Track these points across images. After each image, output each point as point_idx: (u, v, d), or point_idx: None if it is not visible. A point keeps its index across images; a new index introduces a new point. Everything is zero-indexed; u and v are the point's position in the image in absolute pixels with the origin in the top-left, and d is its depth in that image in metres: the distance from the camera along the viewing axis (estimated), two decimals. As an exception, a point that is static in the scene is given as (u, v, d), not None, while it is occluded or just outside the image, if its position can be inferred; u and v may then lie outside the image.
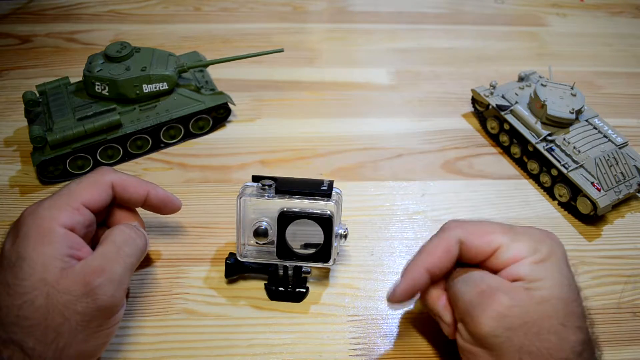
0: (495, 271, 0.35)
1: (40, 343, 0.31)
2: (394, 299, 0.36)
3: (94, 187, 0.38)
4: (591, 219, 0.49)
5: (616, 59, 0.74)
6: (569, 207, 0.51)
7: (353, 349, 0.39)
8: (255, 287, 0.43)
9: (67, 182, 0.39)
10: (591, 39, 0.78)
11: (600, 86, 0.68)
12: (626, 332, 0.41)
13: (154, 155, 0.55)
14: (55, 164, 0.51)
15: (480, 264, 0.36)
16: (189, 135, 0.57)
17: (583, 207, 0.49)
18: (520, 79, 0.60)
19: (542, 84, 0.55)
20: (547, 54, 0.74)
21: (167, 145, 0.56)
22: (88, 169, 0.52)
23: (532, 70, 0.61)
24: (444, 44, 0.75)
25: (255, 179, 0.41)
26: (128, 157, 0.54)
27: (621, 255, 0.47)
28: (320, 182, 0.40)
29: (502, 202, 0.52)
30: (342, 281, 0.44)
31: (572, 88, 0.55)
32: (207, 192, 0.51)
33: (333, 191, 0.40)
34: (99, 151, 0.52)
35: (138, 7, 0.80)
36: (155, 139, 0.55)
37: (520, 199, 0.52)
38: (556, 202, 0.52)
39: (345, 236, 0.41)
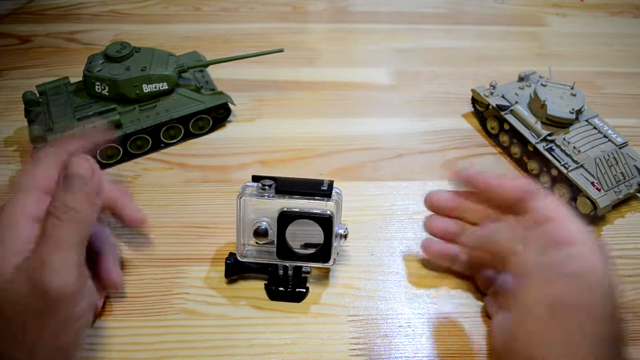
0: None
1: (9, 343, 0.31)
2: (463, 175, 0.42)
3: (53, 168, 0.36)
4: (591, 219, 0.49)
5: (616, 59, 0.74)
6: (569, 207, 0.51)
7: (353, 349, 0.39)
8: (255, 287, 0.43)
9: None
10: (591, 39, 0.78)
11: (600, 86, 0.68)
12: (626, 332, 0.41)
13: (154, 155, 0.55)
14: (55, 164, 0.51)
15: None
16: (189, 135, 0.57)
17: (583, 207, 0.49)
18: (520, 79, 0.60)
19: (542, 84, 0.55)
20: (547, 54, 0.74)
21: (167, 145, 0.56)
22: (88, 169, 0.52)
23: (532, 70, 0.61)
24: (444, 44, 0.75)
25: (255, 179, 0.41)
26: (128, 157, 0.54)
27: (621, 255, 0.47)
28: (320, 182, 0.40)
29: (502, 202, 0.52)
30: (342, 281, 0.44)
31: (572, 88, 0.55)
32: (207, 192, 0.51)
33: (333, 191, 0.40)
34: (99, 151, 0.52)
35: (138, 7, 0.80)
36: (155, 139, 0.55)
37: (520, 199, 0.52)
38: (556, 202, 0.52)
39: (345, 236, 0.41)
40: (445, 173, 0.54)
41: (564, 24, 0.82)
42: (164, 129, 0.55)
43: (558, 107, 0.52)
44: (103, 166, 0.53)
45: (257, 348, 0.39)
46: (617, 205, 0.51)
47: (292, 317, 0.41)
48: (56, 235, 0.32)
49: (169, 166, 0.54)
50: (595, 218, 0.49)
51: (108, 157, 0.53)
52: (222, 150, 0.56)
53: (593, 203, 0.48)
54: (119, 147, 0.53)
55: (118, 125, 0.51)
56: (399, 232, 0.48)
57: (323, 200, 0.39)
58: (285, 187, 0.40)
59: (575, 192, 0.50)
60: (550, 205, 0.38)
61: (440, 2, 0.85)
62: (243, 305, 0.42)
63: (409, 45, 0.75)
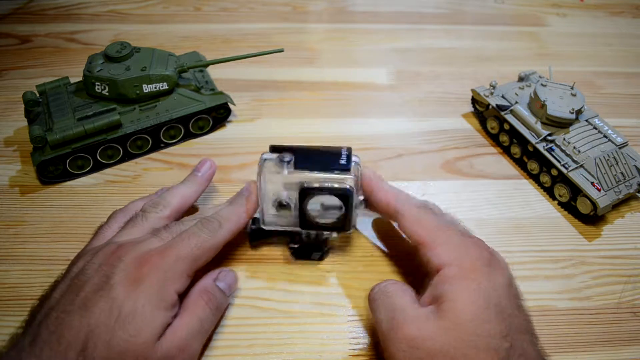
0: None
1: None
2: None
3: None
4: (591, 219, 0.49)
5: (616, 59, 0.74)
6: (569, 207, 0.51)
7: (353, 349, 0.39)
8: (256, 287, 0.43)
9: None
10: (591, 39, 0.78)
11: (600, 86, 0.68)
12: (626, 332, 0.41)
13: (154, 155, 0.55)
14: (55, 164, 0.51)
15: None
16: (189, 135, 0.57)
17: (583, 207, 0.49)
18: (520, 79, 0.60)
19: (542, 84, 0.55)
20: (547, 54, 0.74)
21: (167, 145, 0.56)
22: (88, 169, 0.52)
23: (532, 70, 0.61)
24: (444, 44, 0.76)
25: (273, 149, 0.41)
26: (128, 157, 0.54)
27: (621, 255, 0.47)
28: (339, 153, 0.40)
29: (502, 202, 0.52)
30: (342, 281, 0.44)
31: (572, 88, 0.55)
32: (207, 192, 0.51)
33: (352, 162, 0.40)
34: (99, 151, 0.52)
35: (138, 7, 0.80)
36: (155, 139, 0.55)
37: (520, 199, 0.52)
38: (556, 202, 0.52)
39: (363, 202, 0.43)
40: (445, 173, 0.55)
41: (564, 24, 0.82)
42: (164, 129, 0.55)
43: (558, 107, 0.52)
44: (103, 166, 0.53)
45: (257, 348, 0.39)
46: (617, 205, 0.51)
47: (292, 317, 0.41)
48: (205, 327, 0.38)
49: (169, 166, 0.54)
50: (595, 218, 0.49)
51: (108, 157, 0.53)
52: (222, 150, 0.56)
53: (593, 203, 0.48)
54: (119, 147, 0.53)
55: (118, 125, 0.51)
56: (399, 232, 0.48)
57: (342, 174, 0.40)
58: (304, 162, 0.40)
59: (575, 192, 0.50)
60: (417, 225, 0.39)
61: (440, 2, 0.85)
62: (243, 305, 0.42)
63: (409, 45, 0.75)
